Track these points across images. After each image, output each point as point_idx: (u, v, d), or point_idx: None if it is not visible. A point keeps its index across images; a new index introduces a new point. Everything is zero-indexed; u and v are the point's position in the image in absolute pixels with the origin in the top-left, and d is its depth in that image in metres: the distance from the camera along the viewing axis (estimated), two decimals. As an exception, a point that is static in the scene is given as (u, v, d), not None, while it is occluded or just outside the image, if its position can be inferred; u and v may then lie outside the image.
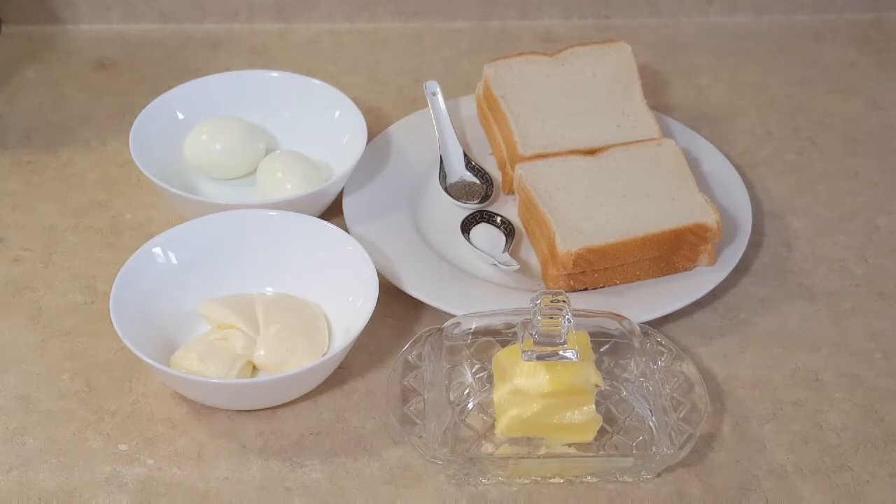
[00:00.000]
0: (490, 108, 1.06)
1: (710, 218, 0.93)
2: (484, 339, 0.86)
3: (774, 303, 0.95)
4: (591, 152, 1.00)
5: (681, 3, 1.26)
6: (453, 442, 0.82)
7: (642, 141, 1.01)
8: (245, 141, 1.03)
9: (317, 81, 1.08)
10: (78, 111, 1.14)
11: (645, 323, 0.87)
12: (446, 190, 1.03)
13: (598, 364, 0.83)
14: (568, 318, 0.79)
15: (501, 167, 1.04)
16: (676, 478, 0.82)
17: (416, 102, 1.12)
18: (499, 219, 1.00)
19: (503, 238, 0.99)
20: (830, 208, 1.04)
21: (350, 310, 0.88)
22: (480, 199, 1.03)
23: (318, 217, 0.94)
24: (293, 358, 0.86)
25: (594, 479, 0.82)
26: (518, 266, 0.95)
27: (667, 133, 1.03)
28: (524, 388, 0.81)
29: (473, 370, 0.85)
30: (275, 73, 1.10)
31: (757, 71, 1.21)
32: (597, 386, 0.82)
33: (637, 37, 1.17)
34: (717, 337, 0.92)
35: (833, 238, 1.01)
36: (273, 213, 0.93)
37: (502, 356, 0.83)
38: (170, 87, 1.07)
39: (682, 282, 0.94)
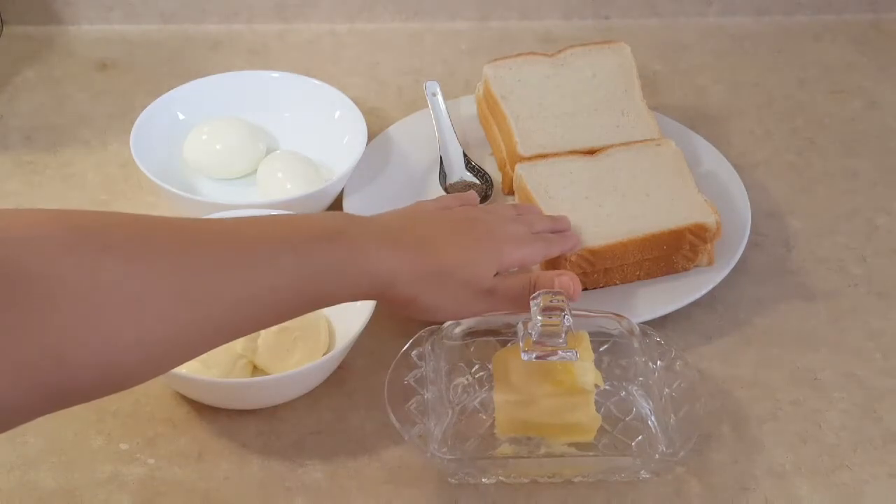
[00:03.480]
0: (490, 108, 1.07)
1: (709, 218, 0.93)
2: (484, 339, 0.86)
3: (773, 303, 0.95)
4: (591, 152, 1.00)
5: (680, 3, 1.26)
6: (453, 442, 0.82)
7: (642, 141, 1.01)
8: (245, 141, 1.04)
9: (317, 81, 1.08)
10: (78, 111, 1.14)
11: (645, 323, 0.87)
12: (446, 190, 1.03)
13: (598, 364, 0.84)
14: (568, 318, 0.80)
15: (501, 167, 1.05)
16: (676, 477, 0.82)
17: (416, 102, 1.12)
18: (499, 219, 1.00)
19: (503, 238, 0.99)
20: (829, 208, 1.05)
21: (350, 310, 0.88)
22: (480, 199, 1.02)
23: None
24: (293, 358, 0.86)
25: (594, 479, 0.82)
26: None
27: (666, 133, 1.03)
28: (524, 387, 0.81)
29: (473, 370, 0.85)
30: (275, 73, 1.10)
31: (756, 71, 1.21)
32: (597, 386, 0.82)
33: (636, 37, 1.17)
34: (716, 337, 0.93)
35: (832, 238, 1.01)
36: (273, 213, 0.93)
37: (502, 356, 0.83)
38: (170, 88, 1.07)
39: (681, 282, 0.94)
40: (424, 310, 0.78)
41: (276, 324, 0.71)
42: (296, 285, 0.69)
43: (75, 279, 0.59)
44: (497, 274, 0.80)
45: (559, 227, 0.89)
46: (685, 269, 0.95)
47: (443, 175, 1.04)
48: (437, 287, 0.77)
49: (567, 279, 0.83)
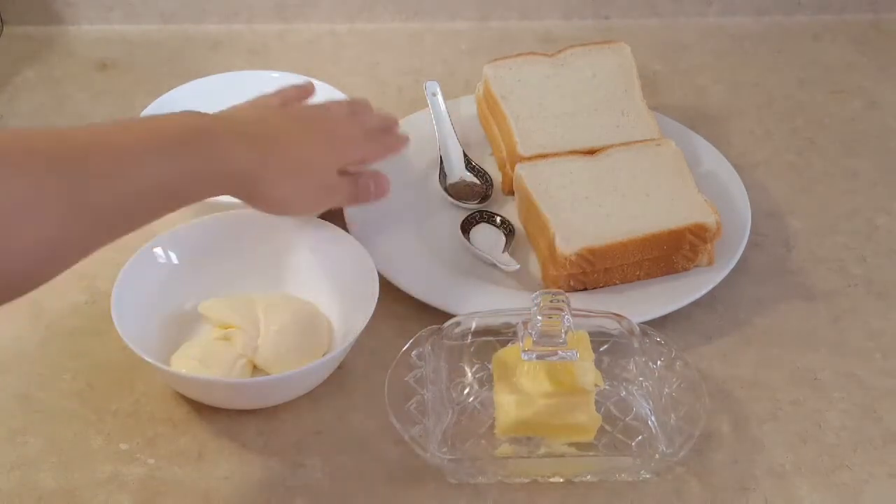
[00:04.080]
0: (490, 108, 1.07)
1: (709, 218, 0.93)
2: (484, 339, 0.86)
3: (773, 303, 0.95)
4: (591, 152, 1.00)
5: (680, 3, 1.26)
6: (453, 441, 0.82)
7: (642, 141, 1.01)
8: (245, 141, 1.03)
9: (317, 81, 1.08)
10: (79, 111, 1.14)
11: (645, 323, 0.87)
12: (446, 190, 1.03)
13: (598, 364, 0.84)
14: (568, 318, 0.80)
15: (501, 167, 1.05)
16: (676, 477, 0.82)
17: (417, 102, 1.12)
18: (499, 219, 1.00)
19: (503, 238, 0.99)
20: (829, 208, 1.05)
21: (350, 310, 0.89)
22: (480, 199, 1.03)
23: (319, 217, 0.94)
24: (293, 358, 0.86)
25: (594, 479, 0.82)
26: (518, 266, 0.95)
27: (666, 133, 1.03)
28: (524, 387, 0.81)
29: (473, 370, 0.86)
30: (275, 73, 1.10)
31: (756, 71, 1.21)
32: (597, 386, 0.83)
33: (636, 37, 1.17)
34: (716, 337, 0.93)
35: (832, 238, 1.01)
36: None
37: (502, 356, 0.83)
38: (170, 88, 1.07)
39: (681, 282, 0.94)
40: (277, 204, 0.83)
41: (146, 223, 0.76)
42: (165, 187, 0.74)
43: None
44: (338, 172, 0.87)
45: (389, 126, 0.95)
46: (685, 269, 0.95)
47: (443, 175, 1.04)
48: (289, 181, 0.83)
49: (382, 176, 0.91)
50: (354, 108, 0.94)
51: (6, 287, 0.67)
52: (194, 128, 0.78)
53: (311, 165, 0.84)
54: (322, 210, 0.90)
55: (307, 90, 0.95)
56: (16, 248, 0.65)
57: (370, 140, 0.91)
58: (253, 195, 0.82)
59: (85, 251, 0.72)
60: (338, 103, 0.96)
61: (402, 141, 0.95)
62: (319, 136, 0.87)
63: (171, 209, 0.77)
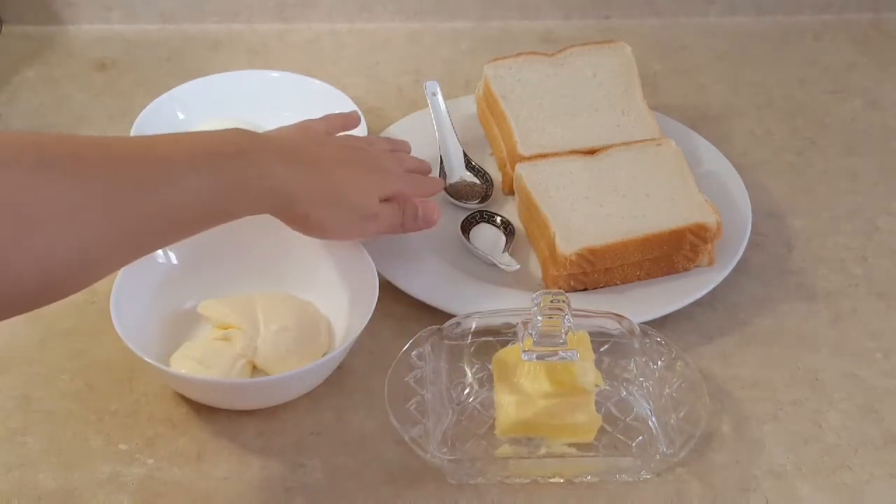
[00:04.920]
0: (490, 108, 1.07)
1: (709, 218, 0.93)
2: (484, 339, 0.86)
3: (774, 303, 0.95)
4: (591, 152, 1.00)
5: (681, 3, 1.26)
6: (453, 442, 0.82)
7: (642, 141, 1.01)
8: (245, 141, 1.03)
9: (317, 81, 1.08)
10: (78, 111, 1.14)
11: (645, 323, 0.87)
12: (446, 190, 1.03)
13: (598, 364, 0.84)
14: (568, 318, 0.80)
15: (501, 167, 1.05)
16: (676, 478, 0.82)
17: (417, 102, 1.12)
18: (499, 219, 1.00)
19: (503, 238, 0.99)
20: (830, 208, 1.04)
21: (350, 310, 0.89)
22: (480, 199, 1.03)
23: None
24: (293, 358, 0.86)
25: (594, 479, 0.82)
26: (518, 266, 0.95)
27: (666, 133, 1.03)
28: (524, 388, 0.81)
29: (473, 370, 0.85)
30: (275, 73, 1.10)
31: (756, 71, 1.21)
32: (597, 386, 0.82)
33: (637, 37, 1.17)
34: (716, 337, 0.92)
35: (833, 238, 1.01)
36: None
37: (502, 356, 0.83)
38: (170, 88, 1.07)
39: (681, 282, 0.94)
40: (315, 228, 0.84)
41: (183, 238, 0.76)
42: (207, 202, 0.74)
43: (11, 194, 0.63)
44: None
45: (424, 170, 0.97)
46: (686, 270, 0.95)
47: (443, 175, 1.04)
48: (329, 207, 0.83)
49: (432, 204, 0.91)
50: (395, 146, 0.96)
51: (46, 292, 0.67)
52: (238, 144, 0.77)
53: (349, 193, 0.84)
54: (361, 237, 0.89)
55: (353, 119, 0.97)
56: (55, 251, 0.65)
57: (409, 178, 0.92)
58: (290, 216, 0.82)
59: (118, 262, 0.72)
60: (380, 139, 0.98)
61: (438, 184, 0.97)
62: (361, 166, 0.87)
63: (207, 225, 0.76)
